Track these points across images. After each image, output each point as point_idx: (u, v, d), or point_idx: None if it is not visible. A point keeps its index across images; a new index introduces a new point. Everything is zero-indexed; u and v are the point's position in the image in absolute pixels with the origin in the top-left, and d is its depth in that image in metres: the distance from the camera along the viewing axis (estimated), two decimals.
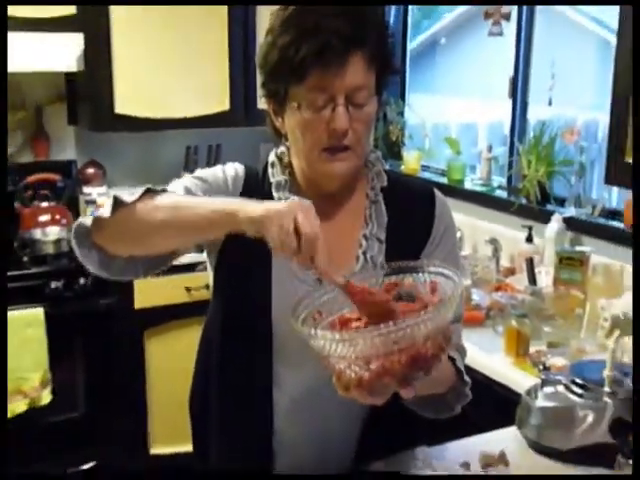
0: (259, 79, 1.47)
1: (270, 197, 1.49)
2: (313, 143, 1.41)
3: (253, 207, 1.26)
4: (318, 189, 1.50)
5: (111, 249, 1.42)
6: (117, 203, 1.37)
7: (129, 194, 1.39)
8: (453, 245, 1.62)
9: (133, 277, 1.53)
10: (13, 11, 3.14)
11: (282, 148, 1.55)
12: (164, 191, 1.41)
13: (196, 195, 1.46)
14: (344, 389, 1.21)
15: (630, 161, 2.04)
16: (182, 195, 1.44)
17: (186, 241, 1.47)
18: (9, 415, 3.03)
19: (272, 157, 1.56)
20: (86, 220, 1.41)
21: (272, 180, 1.52)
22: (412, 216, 1.55)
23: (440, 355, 1.23)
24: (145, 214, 1.37)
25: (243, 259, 1.46)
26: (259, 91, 1.49)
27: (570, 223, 2.89)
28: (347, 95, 1.37)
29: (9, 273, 3.11)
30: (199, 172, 1.55)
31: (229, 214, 1.29)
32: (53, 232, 3.36)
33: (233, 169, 1.54)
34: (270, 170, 1.54)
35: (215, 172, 1.54)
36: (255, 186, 1.52)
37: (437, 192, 1.61)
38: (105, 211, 1.37)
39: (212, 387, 1.59)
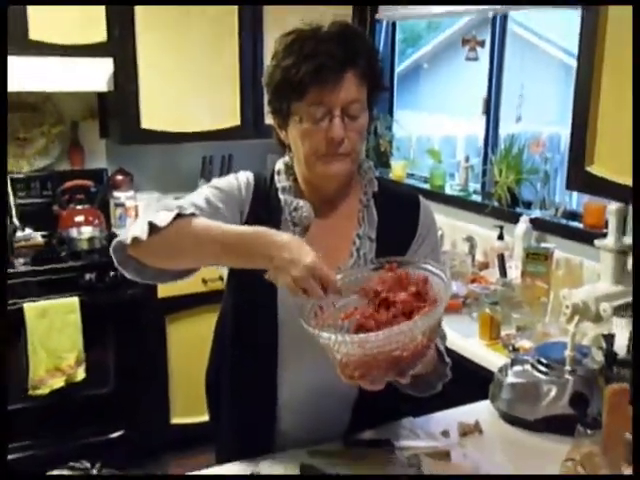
0: (265, 97, 1.47)
1: (277, 199, 1.50)
2: (313, 150, 1.41)
3: (277, 261, 1.23)
4: (318, 192, 1.50)
5: (145, 262, 1.39)
6: (152, 227, 1.32)
7: (165, 209, 1.37)
8: (435, 244, 1.62)
9: (162, 283, 1.51)
10: (53, 38, 3.14)
11: (286, 158, 1.55)
12: (193, 214, 1.36)
13: (217, 207, 1.45)
14: (349, 378, 1.21)
15: (588, 169, 2.04)
16: (205, 221, 1.36)
17: (207, 263, 1.46)
18: (48, 390, 3.04)
19: (278, 165, 1.55)
20: (124, 238, 1.36)
21: (278, 185, 1.52)
22: (399, 218, 1.55)
23: (431, 344, 1.25)
24: (175, 239, 1.34)
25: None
26: (266, 108, 1.50)
27: (536, 223, 2.89)
28: (342, 108, 1.37)
29: (49, 266, 3.13)
30: (215, 182, 1.54)
31: (260, 259, 1.27)
32: (87, 231, 3.36)
33: (245, 177, 1.54)
34: (276, 177, 1.54)
35: (229, 181, 1.53)
36: (264, 190, 1.52)
37: (422, 198, 1.61)
38: (140, 232, 1.32)
39: (225, 367, 1.60)
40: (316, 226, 1.50)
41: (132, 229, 1.35)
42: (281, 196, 1.50)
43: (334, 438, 1.53)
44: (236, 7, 3.46)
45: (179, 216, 1.34)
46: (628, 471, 1.38)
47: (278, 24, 3.50)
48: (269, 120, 1.52)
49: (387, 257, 1.35)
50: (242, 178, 1.53)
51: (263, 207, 1.50)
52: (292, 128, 1.43)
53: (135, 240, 1.34)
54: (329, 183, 1.48)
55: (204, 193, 1.48)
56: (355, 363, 1.18)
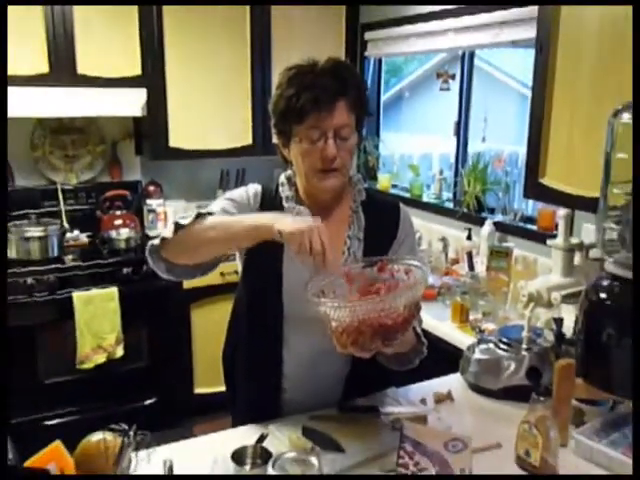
0: (272, 121, 1.48)
1: (281, 207, 1.50)
2: (311, 166, 1.42)
3: (281, 222, 1.26)
4: (315, 201, 1.51)
5: (173, 260, 1.41)
6: (177, 226, 1.37)
7: (186, 217, 1.39)
8: (413, 243, 1.62)
9: (191, 279, 1.51)
10: (96, 72, 3.15)
11: (289, 172, 1.55)
12: (210, 214, 1.40)
13: (231, 213, 1.46)
14: (342, 347, 1.22)
15: (541, 181, 2.04)
16: (222, 217, 1.41)
17: (228, 249, 1.46)
18: (92, 365, 3.04)
19: (282, 178, 1.55)
20: (155, 241, 1.42)
21: (282, 195, 1.52)
22: (383, 222, 1.55)
23: (412, 320, 1.24)
24: (197, 232, 1.36)
25: (263, 256, 1.46)
26: (272, 130, 1.49)
27: (498, 226, 2.89)
28: (335, 131, 1.38)
29: (93, 262, 3.12)
30: (229, 194, 1.54)
31: (264, 227, 1.28)
32: (124, 233, 3.37)
33: (254, 189, 1.54)
34: (280, 188, 1.54)
35: (241, 193, 1.53)
36: (269, 200, 1.52)
37: (402, 206, 1.61)
38: (168, 232, 1.38)
39: (240, 346, 1.60)
40: None
41: (162, 233, 1.40)
42: (285, 204, 1.51)
43: (330, 405, 1.53)
44: (249, 44, 3.46)
45: (199, 216, 1.37)
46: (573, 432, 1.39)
47: (283, 59, 3.48)
48: (275, 140, 1.52)
49: (375, 256, 1.37)
50: (251, 190, 1.54)
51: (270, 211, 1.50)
52: (293, 147, 1.43)
53: (164, 240, 1.38)
54: (324, 194, 1.48)
55: (220, 204, 1.49)
56: (348, 328, 1.19)
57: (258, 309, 1.52)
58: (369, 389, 1.59)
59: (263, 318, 1.51)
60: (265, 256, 1.46)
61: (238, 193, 1.53)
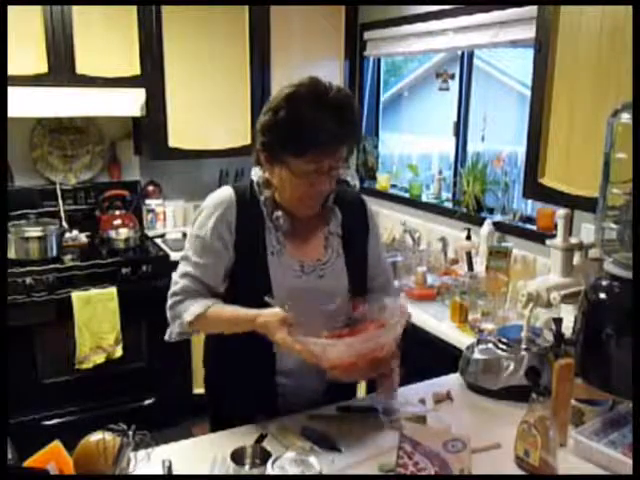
0: (259, 137, 1.46)
1: (259, 209, 1.49)
2: (296, 195, 1.44)
3: (258, 322, 1.36)
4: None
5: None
6: (196, 318, 1.47)
7: (193, 309, 1.49)
8: (378, 234, 1.68)
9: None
10: (96, 73, 3.15)
11: (263, 174, 1.52)
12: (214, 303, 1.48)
13: (212, 250, 1.47)
14: (333, 377, 1.33)
15: (540, 181, 2.04)
16: (220, 311, 1.47)
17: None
18: (92, 365, 3.04)
19: (256, 179, 1.53)
20: (178, 322, 1.53)
21: (260, 197, 1.51)
22: (354, 214, 1.59)
23: (394, 356, 1.37)
24: (200, 327, 1.51)
25: (249, 261, 1.48)
26: (258, 146, 1.48)
27: (497, 226, 2.89)
28: (330, 167, 1.40)
29: (92, 262, 3.12)
30: (200, 231, 1.50)
31: (249, 323, 1.38)
32: (123, 233, 3.36)
33: (227, 197, 1.49)
34: (256, 188, 1.52)
35: (212, 221, 1.48)
36: (245, 202, 1.50)
37: (363, 197, 1.66)
38: (181, 329, 1.53)
39: (228, 347, 1.57)
40: (294, 229, 1.51)
41: (178, 322, 1.53)
42: (263, 208, 1.50)
43: (315, 399, 1.53)
44: (248, 44, 3.45)
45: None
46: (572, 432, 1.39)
47: (282, 59, 3.50)
48: (257, 151, 1.50)
49: (352, 256, 1.51)
50: (224, 200, 1.49)
51: (248, 217, 1.49)
52: (281, 172, 1.42)
53: (181, 323, 1.53)
54: (303, 214, 1.50)
55: (195, 247, 1.49)
56: (342, 364, 1.29)
57: (247, 305, 1.49)
58: (346, 388, 1.59)
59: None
60: (251, 258, 1.48)
61: (209, 223, 1.48)
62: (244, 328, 1.41)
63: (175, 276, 1.54)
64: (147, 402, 3.28)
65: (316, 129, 1.34)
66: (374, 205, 1.90)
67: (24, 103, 2.96)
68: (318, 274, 1.51)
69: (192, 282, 1.49)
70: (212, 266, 1.49)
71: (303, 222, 1.51)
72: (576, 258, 2.06)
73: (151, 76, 3.28)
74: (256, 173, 1.54)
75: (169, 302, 1.54)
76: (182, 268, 1.52)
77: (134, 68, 3.25)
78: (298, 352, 1.31)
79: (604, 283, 1.35)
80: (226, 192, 1.51)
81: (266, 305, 1.37)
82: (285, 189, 1.44)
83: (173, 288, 1.53)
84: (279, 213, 1.48)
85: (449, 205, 3.32)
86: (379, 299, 1.43)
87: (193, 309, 1.47)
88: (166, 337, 1.56)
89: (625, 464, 1.30)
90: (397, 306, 1.39)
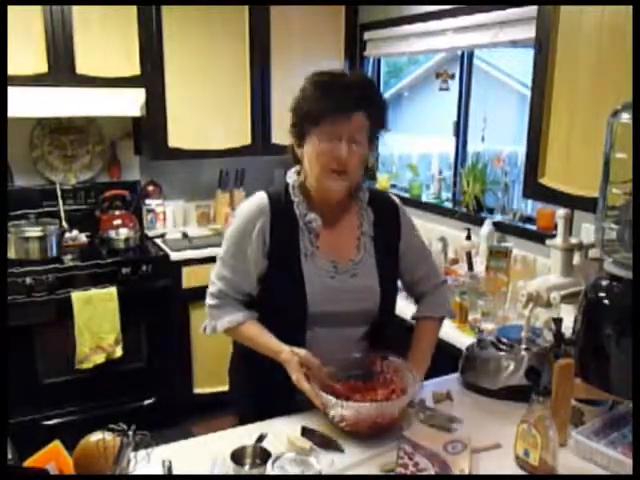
0: (289, 121, 1.52)
1: (292, 211, 1.54)
2: (323, 165, 1.47)
3: (280, 358, 1.46)
4: (325, 202, 1.56)
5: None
6: (226, 330, 1.58)
7: (228, 318, 1.58)
8: (421, 241, 1.73)
9: None
10: (95, 73, 3.15)
11: (301, 177, 1.57)
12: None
13: (244, 257, 1.54)
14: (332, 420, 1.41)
15: (541, 181, 2.04)
16: (248, 331, 1.57)
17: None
18: (92, 365, 3.04)
19: (292, 182, 1.58)
20: (219, 324, 1.59)
21: (294, 199, 1.56)
22: (386, 215, 1.63)
23: (399, 419, 1.42)
24: (233, 336, 1.62)
25: (283, 262, 1.53)
26: (290, 130, 1.54)
27: (497, 226, 2.89)
28: (349, 137, 1.44)
29: (92, 262, 3.12)
30: (235, 238, 1.56)
31: (272, 354, 1.49)
32: (123, 233, 3.36)
33: (261, 202, 1.55)
34: (291, 191, 1.57)
35: (247, 226, 1.54)
36: (279, 205, 1.55)
37: (398, 201, 1.69)
38: (210, 332, 1.61)
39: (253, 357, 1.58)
40: (326, 230, 1.56)
41: (212, 325, 1.60)
42: (296, 210, 1.55)
43: None
44: (248, 44, 3.45)
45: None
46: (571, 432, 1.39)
47: (282, 59, 3.50)
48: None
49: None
50: (258, 208, 1.55)
51: (282, 222, 1.54)
52: (307, 147, 1.49)
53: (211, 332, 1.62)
54: (332, 194, 1.53)
55: (231, 252, 1.56)
56: (347, 420, 1.37)
57: (281, 310, 1.53)
58: None
59: (286, 317, 1.53)
60: (285, 261, 1.52)
61: (243, 228, 1.55)
62: (268, 354, 1.51)
63: (212, 276, 1.61)
64: (147, 402, 3.28)
65: (334, 95, 1.42)
66: None
67: (24, 103, 2.96)
68: (351, 273, 1.56)
69: (227, 286, 1.57)
70: (246, 273, 1.55)
71: (336, 224, 1.57)
72: (576, 258, 2.06)
73: (151, 76, 3.28)
74: (291, 176, 1.59)
75: (207, 301, 1.62)
76: (218, 270, 1.59)
77: (134, 68, 3.25)
78: (309, 397, 1.40)
79: (604, 283, 1.35)
80: (260, 200, 1.57)
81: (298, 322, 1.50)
82: (312, 165, 1.49)
83: (211, 289, 1.60)
84: (312, 215, 1.54)
85: (449, 205, 3.32)
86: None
87: (225, 320, 1.57)
88: (200, 330, 1.64)
89: (625, 464, 1.30)
90: (410, 376, 1.47)
